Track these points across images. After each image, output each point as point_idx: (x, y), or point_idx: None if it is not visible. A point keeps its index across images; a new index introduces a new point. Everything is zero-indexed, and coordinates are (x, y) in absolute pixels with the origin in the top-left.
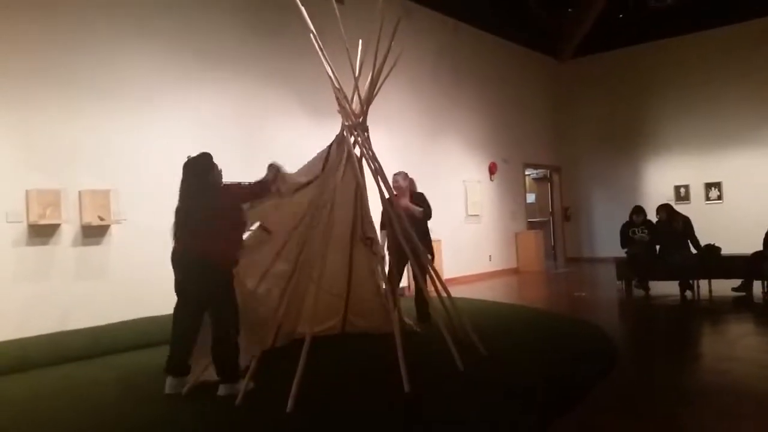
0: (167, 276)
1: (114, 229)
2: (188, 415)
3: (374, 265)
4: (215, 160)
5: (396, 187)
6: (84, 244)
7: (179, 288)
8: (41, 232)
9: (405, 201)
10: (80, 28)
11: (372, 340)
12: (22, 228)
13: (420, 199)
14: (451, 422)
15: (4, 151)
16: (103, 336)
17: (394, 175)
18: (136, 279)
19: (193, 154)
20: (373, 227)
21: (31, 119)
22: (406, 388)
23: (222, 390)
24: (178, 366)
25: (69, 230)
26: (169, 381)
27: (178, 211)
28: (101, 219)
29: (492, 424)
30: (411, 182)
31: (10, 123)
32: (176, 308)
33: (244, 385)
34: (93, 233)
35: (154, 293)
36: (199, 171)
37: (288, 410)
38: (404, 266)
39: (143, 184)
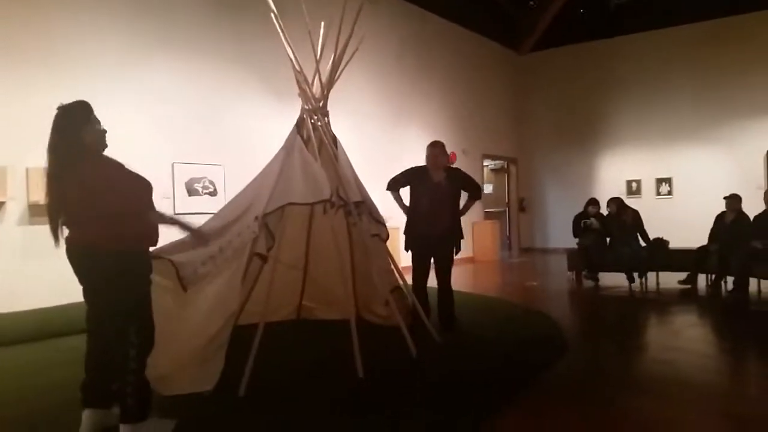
0: None
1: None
2: None
3: (375, 248)
4: (168, 140)
5: (435, 161)
6: (31, 223)
7: (83, 291)
8: None
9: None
10: (35, 1)
11: (328, 325)
12: None
13: (462, 175)
14: (402, 407)
15: None
16: (53, 318)
17: (430, 146)
18: None
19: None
20: (378, 214)
21: None
22: (360, 374)
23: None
24: (97, 394)
25: (15, 208)
26: (87, 415)
27: (51, 184)
28: None
29: (440, 409)
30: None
31: None
32: (86, 319)
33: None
34: (41, 212)
35: None
36: (67, 125)
37: (240, 394)
38: (429, 258)
39: None
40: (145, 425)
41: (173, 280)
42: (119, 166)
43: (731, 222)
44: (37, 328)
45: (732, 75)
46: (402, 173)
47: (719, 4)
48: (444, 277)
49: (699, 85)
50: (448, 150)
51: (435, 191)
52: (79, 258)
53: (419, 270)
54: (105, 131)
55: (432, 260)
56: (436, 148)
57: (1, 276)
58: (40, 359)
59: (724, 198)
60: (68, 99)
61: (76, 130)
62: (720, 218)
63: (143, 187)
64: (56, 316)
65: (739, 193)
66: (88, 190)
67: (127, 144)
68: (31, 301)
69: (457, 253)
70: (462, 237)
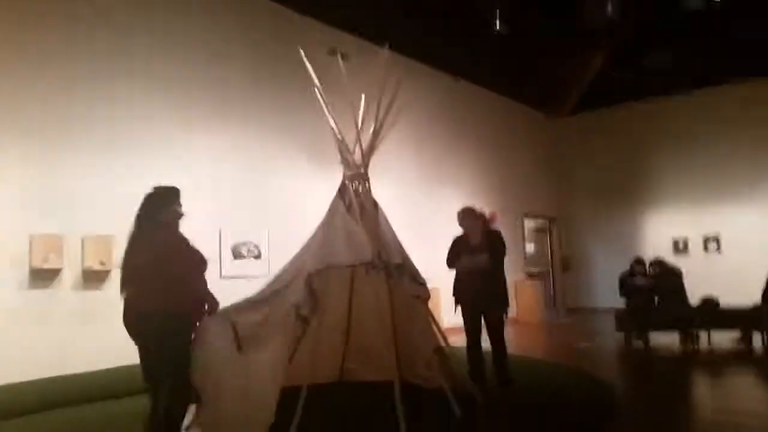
0: None
1: (115, 275)
2: None
3: (416, 309)
4: (215, 207)
5: (466, 226)
6: (85, 288)
7: (142, 365)
8: (44, 276)
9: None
10: (84, 74)
11: (370, 388)
12: (24, 273)
13: (491, 239)
14: None
15: (7, 196)
16: (103, 380)
17: (460, 213)
18: None
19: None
20: (419, 275)
21: (34, 165)
22: None
23: None
24: None
25: (70, 275)
26: None
27: (126, 260)
28: (102, 264)
29: None
30: (483, 220)
31: (14, 169)
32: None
33: None
34: (94, 278)
35: None
36: (152, 207)
37: None
38: (479, 318)
39: None
40: None
41: (231, 341)
42: (183, 239)
43: None
44: (87, 390)
45: None
46: (450, 246)
47: (751, 67)
48: (496, 338)
49: (742, 141)
50: (487, 210)
51: (472, 255)
52: (143, 318)
53: (471, 335)
54: (182, 215)
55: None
56: (464, 213)
57: (58, 340)
58: (95, 420)
59: None
60: (121, 173)
61: (157, 210)
62: None
63: (198, 259)
64: (105, 379)
65: None
66: (152, 255)
67: None
68: (84, 364)
69: (506, 316)
70: (506, 302)
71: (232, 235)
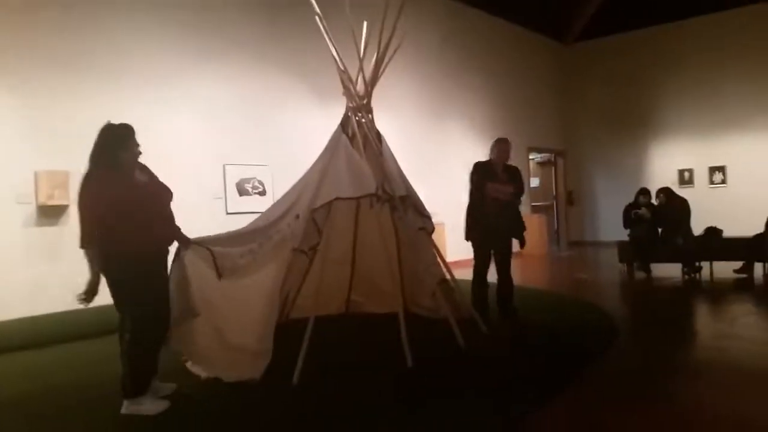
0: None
1: None
2: (196, 387)
3: (421, 241)
4: (219, 143)
5: (504, 157)
6: None
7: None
8: (50, 213)
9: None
10: (91, 11)
11: (376, 318)
12: (31, 209)
13: (514, 172)
14: (451, 397)
15: (12, 133)
16: (112, 314)
17: (501, 142)
18: None
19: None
20: (423, 208)
21: (39, 102)
22: (409, 363)
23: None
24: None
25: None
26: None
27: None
28: None
29: (490, 399)
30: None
31: (19, 106)
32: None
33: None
34: None
35: None
36: (106, 143)
37: (294, 382)
38: (489, 251)
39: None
40: (142, 401)
41: (210, 267)
42: (143, 182)
43: None
44: (96, 324)
45: None
46: (474, 170)
47: None
48: (505, 268)
49: (751, 70)
50: (491, 143)
51: (500, 184)
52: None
53: (481, 261)
54: (140, 153)
55: (491, 252)
56: (505, 144)
57: (65, 275)
58: (102, 353)
59: None
60: (126, 107)
61: (114, 149)
62: None
63: (160, 200)
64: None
65: None
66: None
67: (180, 147)
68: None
69: (523, 247)
70: (525, 229)
71: (237, 172)
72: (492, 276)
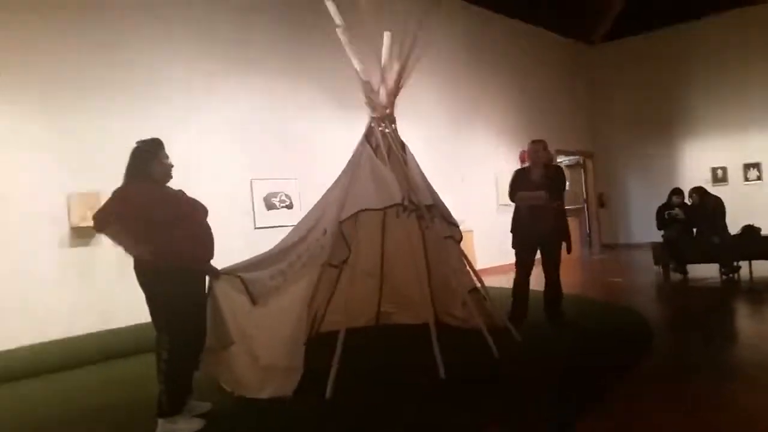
0: None
1: None
2: (231, 406)
3: (449, 250)
4: (246, 158)
5: (534, 157)
6: None
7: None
8: (84, 234)
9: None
10: (117, 33)
11: (407, 329)
12: (65, 230)
13: (551, 174)
14: (484, 409)
15: (46, 155)
16: (145, 334)
17: (530, 144)
18: None
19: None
20: (450, 216)
21: (71, 124)
22: (442, 374)
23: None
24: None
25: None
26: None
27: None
28: None
29: (525, 411)
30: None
31: (52, 128)
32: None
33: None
34: None
35: None
36: (139, 160)
37: (327, 396)
38: (533, 255)
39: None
40: (177, 420)
41: (243, 294)
42: (178, 192)
43: None
44: (131, 344)
45: None
46: (512, 179)
47: None
48: (549, 272)
49: None
50: (519, 148)
51: (533, 189)
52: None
53: (521, 269)
54: (172, 165)
55: (532, 259)
56: (535, 144)
57: (98, 296)
58: (135, 373)
59: None
60: (154, 125)
61: (146, 162)
62: None
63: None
64: (148, 333)
65: None
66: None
67: (208, 164)
68: (125, 319)
69: (569, 252)
70: (569, 234)
71: (264, 186)
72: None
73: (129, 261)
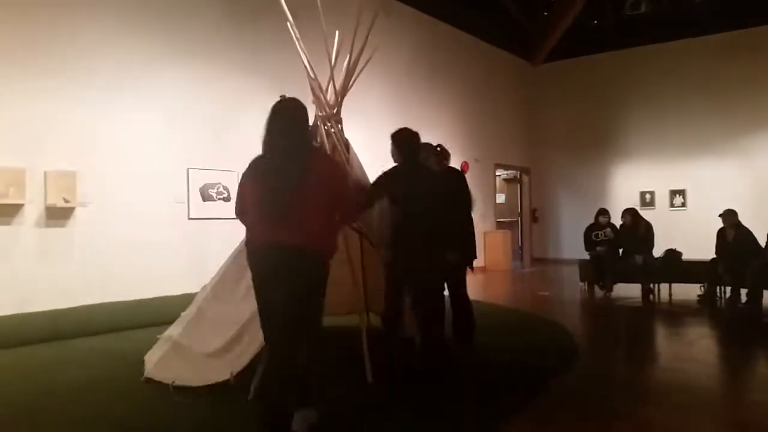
0: (132, 261)
1: (79, 212)
2: (140, 399)
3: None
4: (184, 146)
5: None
6: (48, 225)
7: (264, 298)
8: (4, 212)
9: None
10: (49, 9)
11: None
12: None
13: (450, 180)
14: (404, 420)
15: None
16: (65, 319)
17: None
18: (100, 263)
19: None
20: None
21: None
22: (369, 379)
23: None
24: (278, 421)
25: (33, 211)
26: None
27: (258, 177)
28: (66, 201)
29: (446, 417)
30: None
31: None
32: (264, 330)
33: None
34: (57, 215)
35: (118, 278)
36: (297, 121)
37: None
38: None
39: (110, 167)
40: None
41: None
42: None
43: (733, 238)
44: (48, 329)
45: (745, 87)
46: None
47: (731, 17)
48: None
49: (712, 97)
50: (460, 159)
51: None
52: (280, 252)
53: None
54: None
55: None
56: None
57: (18, 278)
58: (51, 360)
59: (720, 215)
60: (89, 108)
61: (303, 128)
62: (721, 234)
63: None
64: (67, 318)
65: (753, 203)
66: (306, 186)
67: (143, 149)
68: (44, 303)
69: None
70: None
71: (201, 177)
72: None
73: (51, 244)
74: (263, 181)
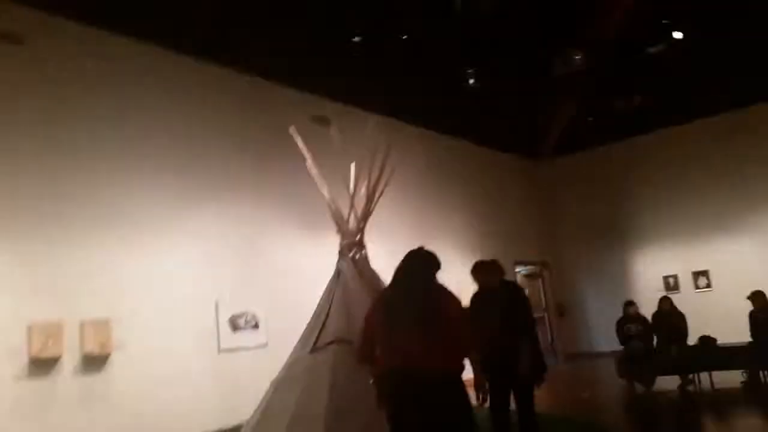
0: (170, 400)
1: (115, 357)
2: None
3: None
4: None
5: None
6: (84, 374)
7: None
8: (42, 365)
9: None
10: (79, 161)
11: None
12: (23, 362)
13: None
14: None
15: (6, 285)
16: None
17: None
18: (137, 404)
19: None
20: None
21: (31, 253)
22: None
23: None
24: None
25: (70, 360)
26: None
27: (388, 309)
28: (102, 347)
29: None
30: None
31: (12, 257)
32: None
33: None
34: (94, 362)
35: (156, 418)
36: (426, 265)
37: None
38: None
39: (143, 311)
40: None
41: None
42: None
43: (764, 320)
44: None
45: (756, 163)
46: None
47: (741, 95)
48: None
49: (723, 175)
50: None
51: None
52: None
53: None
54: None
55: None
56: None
57: (61, 428)
58: None
59: (748, 298)
60: (118, 252)
61: (431, 275)
62: (754, 315)
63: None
64: None
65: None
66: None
67: (171, 289)
68: None
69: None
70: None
71: (229, 306)
72: None
73: (89, 392)
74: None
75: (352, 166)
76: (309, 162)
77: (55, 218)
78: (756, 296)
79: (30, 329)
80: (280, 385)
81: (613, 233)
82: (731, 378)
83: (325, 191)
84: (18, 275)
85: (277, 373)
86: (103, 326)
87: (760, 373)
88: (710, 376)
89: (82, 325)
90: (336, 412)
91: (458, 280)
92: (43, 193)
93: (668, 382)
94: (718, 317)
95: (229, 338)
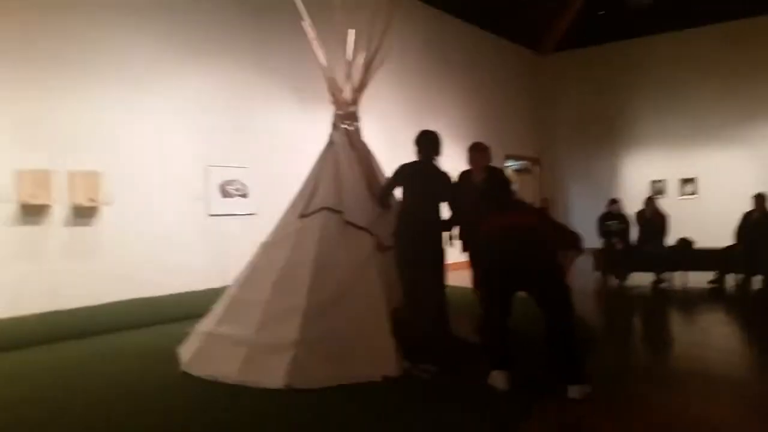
0: (156, 257)
1: (104, 211)
2: (174, 397)
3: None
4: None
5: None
6: (74, 224)
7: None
8: (32, 212)
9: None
10: (73, 10)
11: None
12: (12, 208)
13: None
14: (434, 410)
15: None
16: (94, 316)
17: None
18: (126, 260)
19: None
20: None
21: (22, 100)
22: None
23: (573, 392)
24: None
25: (59, 211)
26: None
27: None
28: (91, 200)
29: (476, 412)
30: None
31: (1, 104)
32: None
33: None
34: (83, 214)
35: (144, 274)
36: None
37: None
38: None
39: (133, 167)
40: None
41: None
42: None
43: (756, 220)
44: (78, 326)
45: (756, 75)
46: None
47: (740, 6)
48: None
49: (722, 85)
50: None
51: (475, 194)
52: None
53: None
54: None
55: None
56: (472, 152)
57: (46, 275)
58: (85, 356)
59: (752, 197)
60: (107, 106)
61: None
62: (747, 216)
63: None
64: (96, 315)
65: (764, 190)
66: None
67: (162, 148)
68: (74, 300)
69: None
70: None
71: (219, 173)
72: None
73: (78, 243)
74: None
75: (351, 33)
76: (307, 23)
77: (47, 68)
78: (759, 197)
79: (19, 176)
80: (270, 245)
81: (607, 134)
82: (704, 279)
83: (320, 57)
84: (7, 125)
85: (265, 239)
86: (92, 178)
87: (728, 276)
88: (683, 275)
89: (70, 176)
90: (321, 266)
91: (448, 167)
92: (35, 43)
93: (644, 279)
94: (699, 223)
95: (219, 204)
